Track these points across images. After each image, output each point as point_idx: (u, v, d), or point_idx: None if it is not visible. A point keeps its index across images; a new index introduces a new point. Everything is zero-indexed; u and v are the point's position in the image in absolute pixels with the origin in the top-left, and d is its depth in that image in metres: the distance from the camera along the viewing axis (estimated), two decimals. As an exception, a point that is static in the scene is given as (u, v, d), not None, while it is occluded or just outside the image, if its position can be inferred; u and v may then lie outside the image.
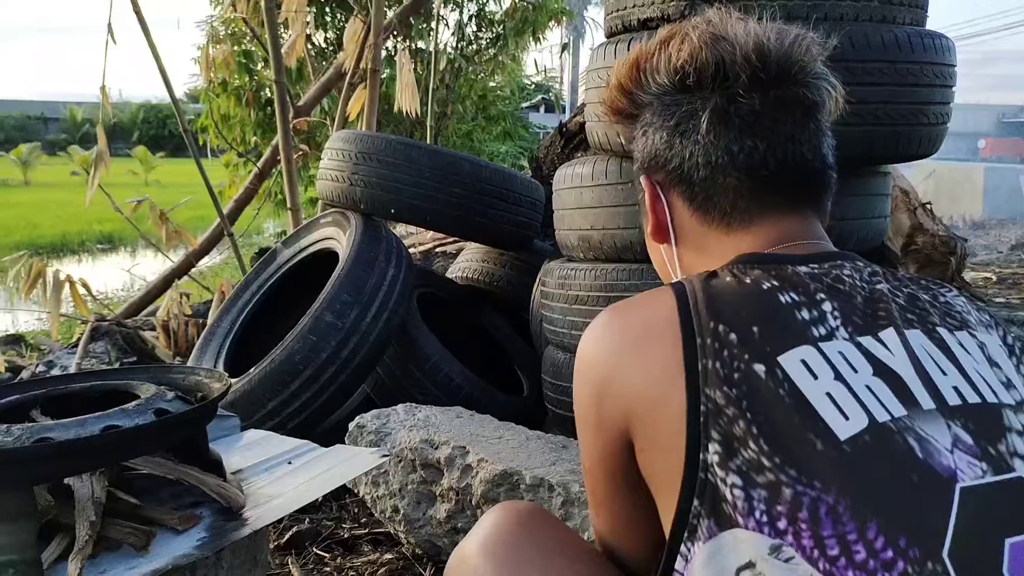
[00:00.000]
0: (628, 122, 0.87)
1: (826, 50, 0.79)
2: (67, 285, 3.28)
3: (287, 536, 1.69)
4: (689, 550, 0.65)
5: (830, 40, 0.81)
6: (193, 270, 4.29)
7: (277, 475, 1.32)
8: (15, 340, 3.86)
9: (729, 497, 0.62)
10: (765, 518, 0.61)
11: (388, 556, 1.58)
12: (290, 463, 1.37)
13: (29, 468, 1.01)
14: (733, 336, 0.66)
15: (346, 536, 1.70)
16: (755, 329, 0.67)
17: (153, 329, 3.59)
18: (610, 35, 1.82)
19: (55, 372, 3.16)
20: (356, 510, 1.84)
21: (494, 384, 2.28)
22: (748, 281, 0.70)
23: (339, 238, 2.27)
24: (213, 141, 6.96)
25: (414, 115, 3.86)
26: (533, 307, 2.33)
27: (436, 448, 1.53)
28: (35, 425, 1.05)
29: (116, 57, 3.17)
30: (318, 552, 1.61)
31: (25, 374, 3.16)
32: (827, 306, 0.69)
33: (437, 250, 4.88)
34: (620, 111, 0.87)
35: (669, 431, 0.66)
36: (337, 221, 2.33)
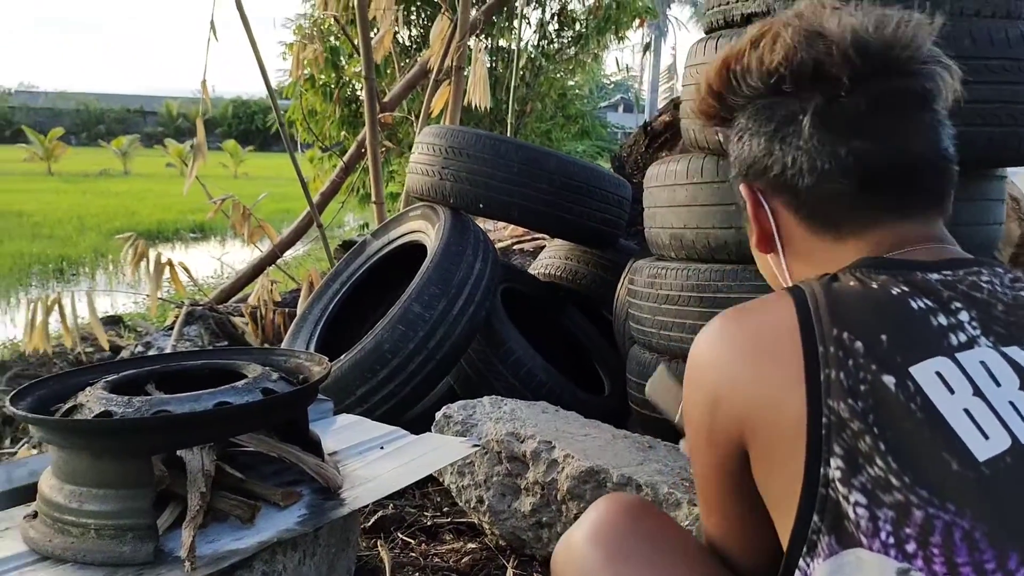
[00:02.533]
0: (722, 126, 0.83)
1: (934, 29, 0.73)
2: (167, 268, 3.44)
3: (372, 520, 1.72)
4: (808, 565, 0.62)
5: (936, 19, 0.74)
6: (279, 260, 4.43)
7: (370, 459, 1.35)
8: (114, 321, 4.07)
9: (852, 516, 0.59)
10: (892, 540, 0.57)
11: (471, 546, 1.59)
12: (382, 448, 1.40)
13: (148, 438, 1.07)
14: (859, 345, 0.63)
15: (429, 524, 1.73)
16: (883, 337, 0.63)
17: (242, 315, 3.73)
18: (710, 31, 1.79)
19: (152, 352, 3.31)
20: (439, 499, 1.86)
21: (574, 382, 2.27)
22: (875, 286, 0.66)
23: (427, 231, 2.31)
24: (301, 136, 7.19)
25: (483, 110, 3.87)
26: (617, 306, 2.31)
27: (522, 441, 1.53)
28: (154, 398, 1.11)
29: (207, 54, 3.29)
30: (403, 538, 1.64)
31: (125, 353, 3.34)
32: (964, 315, 0.64)
33: (515, 247, 4.91)
34: (712, 115, 0.83)
35: (787, 443, 0.64)
36: (426, 215, 2.37)
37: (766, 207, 0.79)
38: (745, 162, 0.79)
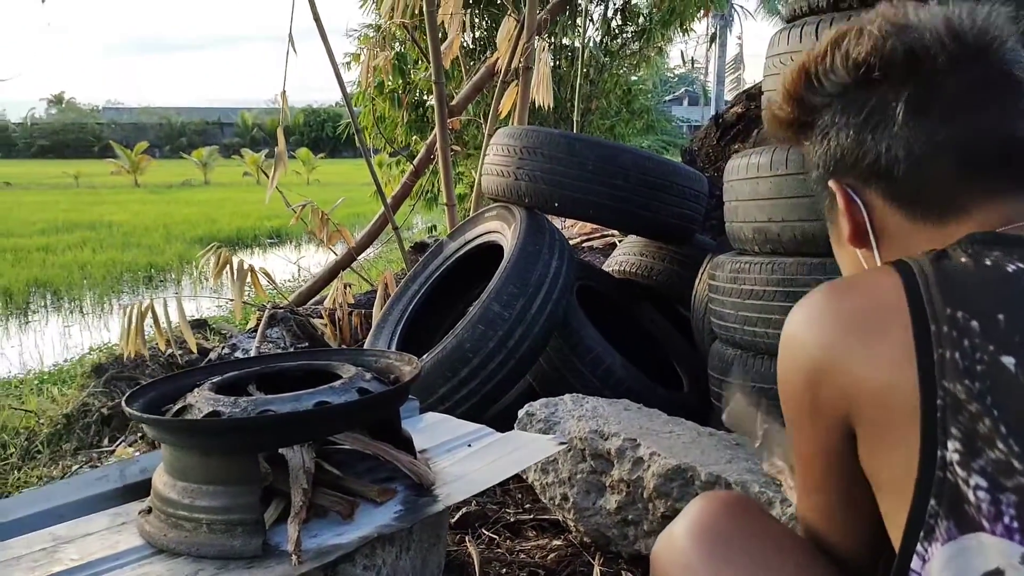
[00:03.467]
0: (797, 133, 0.82)
1: (1019, 28, 0.73)
2: (249, 273, 3.58)
3: (456, 517, 1.75)
4: (926, 550, 0.61)
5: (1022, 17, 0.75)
6: (353, 263, 4.55)
7: (459, 456, 1.37)
8: (200, 325, 4.24)
9: (972, 499, 0.58)
10: (1016, 524, 0.56)
11: (556, 542, 1.60)
12: (470, 446, 1.42)
13: (254, 437, 1.12)
14: (975, 324, 0.61)
15: (512, 520, 1.74)
16: (1000, 317, 0.61)
17: (320, 317, 3.83)
18: (793, 18, 1.74)
19: (237, 355, 3.44)
20: (520, 496, 1.88)
21: (652, 379, 2.25)
22: (988, 263, 0.64)
23: (503, 231, 2.33)
24: (372, 142, 7.34)
25: (548, 109, 3.88)
26: (695, 302, 2.28)
27: (606, 439, 1.53)
28: (258, 398, 1.16)
29: (278, 65, 3.40)
30: (488, 534, 1.67)
31: (212, 355, 3.48)
32: None
33: (584, 245, 4.90)
34: (789, 123, 0.82)
35: (899, 426, 0.63)
36: (501, 215, 2.39)
37: (859, 201, 0.77)
38: (833, 158, 0.78)
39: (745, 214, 1.80)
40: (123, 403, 1.16)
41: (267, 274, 3.64)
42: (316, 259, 6.88)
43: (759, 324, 1.70)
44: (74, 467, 2.54)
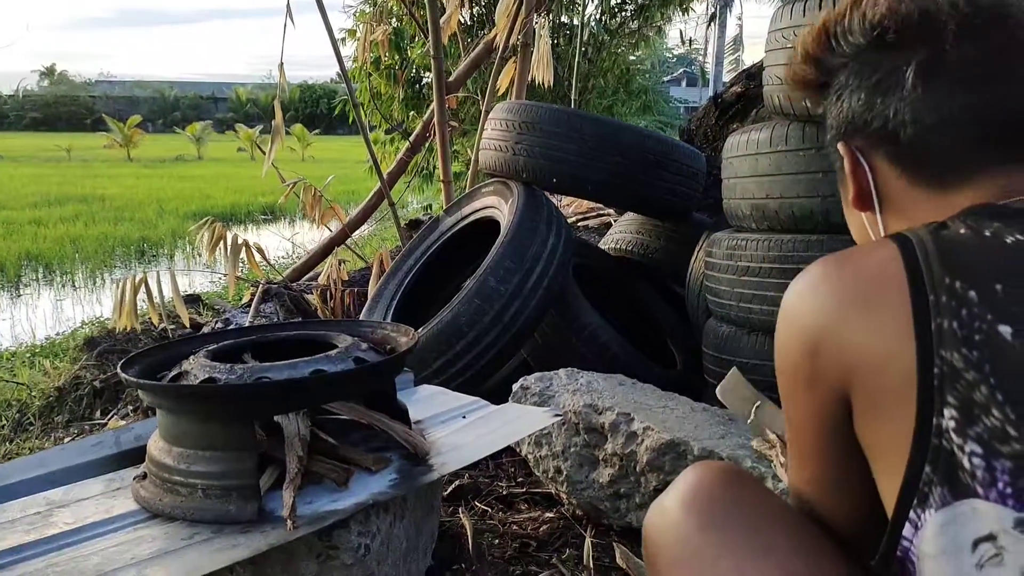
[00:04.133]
0: (815, 93, 0.83)
1: None
2: (243, 249, 3.56)
3: (449, 490, 1.76)
4: (919, 517, 0.62)
5: None
6: (347, 240, 4.53)
7: (453, 428, 1.38)
8: (193, 300, 4.23)
9: (967, 466, 0.59)
10: (1010, 490, 0.57)
11: (549, 515, 1.61)
12: (464, 417, 1.43)
13: (250, 404, 1.12)
14: (972, 293, 0.61)
15: (504, 494, 1.75)
16: (998, 287, 0.61)
17: (312, 293, 3.82)
18: (795, -7, 1.73)
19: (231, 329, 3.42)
20: (512, 469, 1.89)
21: (646, 356, 2.26)
22: (987, 234, 0.65)
23: (500, 207, 2.32)
24: (368, 119, 7.28)
25: (546, 87, 3.85)
26: (691, 279, 2.29)
27: (600, 413, 1.54)
28: (254, 366, 1.16)
29: (273, 41, 3.36)
30: (481, 506, 1.68)
31: (206, 330, 3.47)
32: None
33: (579, 224, 4.89)
34: (807, 82, 0.82)
35: (895, 394, 0.63)
36: (499, 190, 2.38)
37: (864, 164, 0.78)
38: (844, 119, 0.78)
39: (743, 191, 1.79)
40: (119, 369, 1.16)
41: (260, 250, 3.63)
42: (310, 236, 6.85)
43: (754, 301, 1.70)
44: (66, 439, 2.54)
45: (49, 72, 43.80)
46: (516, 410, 1.45)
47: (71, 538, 1.01)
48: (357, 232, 5.36)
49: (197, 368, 1.15)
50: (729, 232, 1.88)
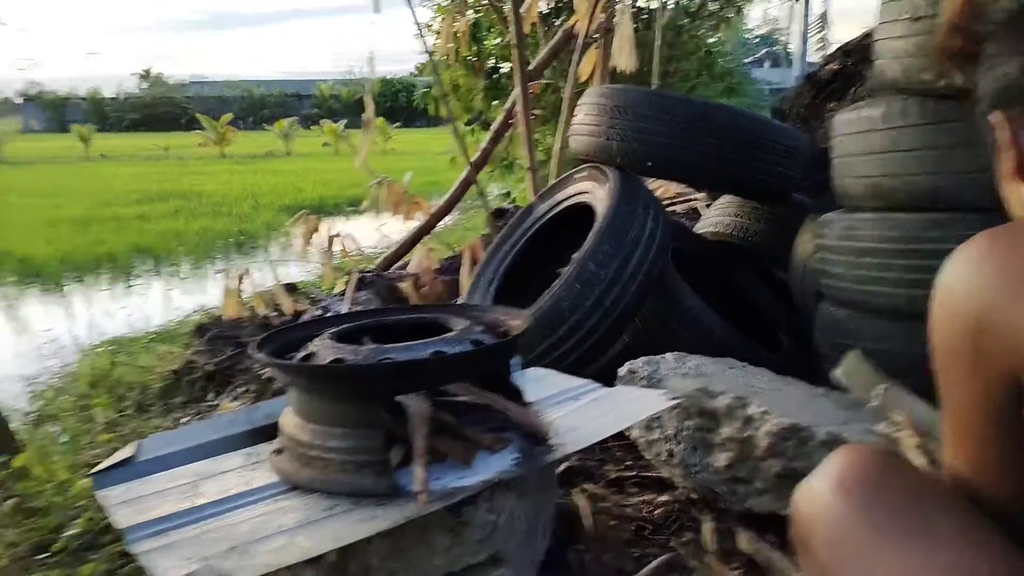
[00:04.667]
0: (965, 63, 0.79)
1: None
2: (336, 239, 3.68)
3: (557, 473, 1.77)
4: None
5: None
6: (433, 230, 4.61)
7: (567, 409, 1.39)
8: (291, 289, 4.39)
9: None
10: None
11: (663, 498, 1.60)
12: (577, 400, 1.43)
13: (374, 383, 1.16)
14: None
15: (614, 477, 1.75)
16: None
17: (402, 280, 3.91)
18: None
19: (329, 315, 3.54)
20: (619, 453, 1.88)
21: (749, 339, 2.21)
22: None
23: (595, 192, 2.31)
24: (445, 111, 7.35)
25: (629, 72, 3.80)
26: (795, 261, 2.22)
27: (713, 397, 1.51)
28: (377, 347, 1.19)
29: (349, 39, 3.43)
30: (592, 489, 1.68)
31: (305, 317, 3.60)
32: None
33: (667, 209, 4.81)
34: (954, 52, 0.79)
35: None
36: (592, 175, 2.36)
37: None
38: (998, 88, 0.74)
39: (855, 169, 1.72)
40: (254, 351, 1.22)
41: (353, 240, 3.73)
42: (397, 226, 6.98)
43: (873, 283, 1.63)
44: (183, 419, 2.69)
45: (146, 75, 46.12)
46: (629, 392, 1.45)
47: (218, 507, 1.07)
48: (441, 223, 5.44)
49: (324, 349, 1.20)
50: (842, 212, 1.81)
